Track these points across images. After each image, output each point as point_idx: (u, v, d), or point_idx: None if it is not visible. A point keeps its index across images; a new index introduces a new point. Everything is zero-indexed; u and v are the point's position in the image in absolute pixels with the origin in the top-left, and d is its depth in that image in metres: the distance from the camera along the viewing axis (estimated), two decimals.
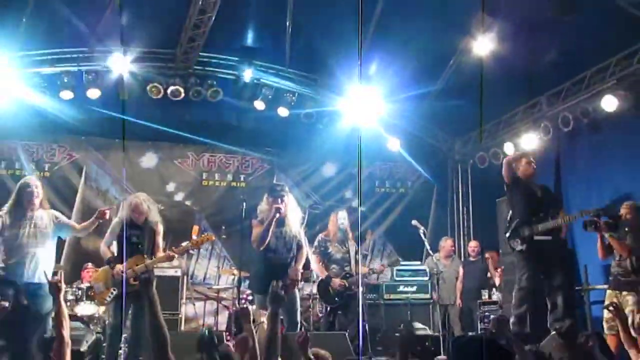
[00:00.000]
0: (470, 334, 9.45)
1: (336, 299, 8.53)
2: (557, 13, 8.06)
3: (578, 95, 9.45)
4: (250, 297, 8.90)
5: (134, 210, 7.32)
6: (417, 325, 9.54)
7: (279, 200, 7.28)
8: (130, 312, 7.23)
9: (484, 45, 9.11)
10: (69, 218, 10.02)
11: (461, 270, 10.52)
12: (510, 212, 8.08)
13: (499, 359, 2.67)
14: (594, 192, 9.54)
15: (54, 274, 7.11)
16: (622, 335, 5.31)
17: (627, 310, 6.97)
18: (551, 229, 7.64)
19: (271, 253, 7.21)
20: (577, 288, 9.41)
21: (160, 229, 7.47)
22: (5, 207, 6.87)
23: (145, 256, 7.18)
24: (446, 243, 10.62)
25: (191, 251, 10.52)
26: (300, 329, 7.41)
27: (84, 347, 7.44)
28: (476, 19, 9.01)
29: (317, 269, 8.56)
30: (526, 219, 7.72)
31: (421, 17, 9.28)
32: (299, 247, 7.56)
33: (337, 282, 8.45)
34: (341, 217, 8.92)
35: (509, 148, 10.80)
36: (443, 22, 9.24)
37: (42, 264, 6.68)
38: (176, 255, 7.44)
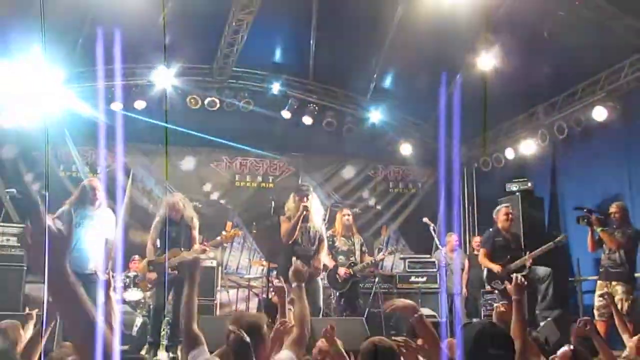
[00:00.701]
0: (474, 320, 9.52)
1: (342, 285, 8.70)
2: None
3: (572, 106, 9.51)
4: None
5: (171, 209, 7.49)
6: (427, 311, 9.61)
7: (305, 199, 7.39)
8: (170, 297, 7.44)
9: (487, 61, 9.17)
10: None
11: (467, 263, 10.55)
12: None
13: (501, 341, 2.74)
14: (586, 192, 9.55)
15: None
16: (617, 321, 5.34)
17: (616, 299, 7.03)
18: (521, 266, 7.83)
19: (297, 246, 7.33)
20: (570, 279, 9.48)
21: (196, 224, 7.63)
22: (67, 203, 7.04)
23: (183, 249, 7.37)
24: (451, 238, 10.62)
25: (225, 245, 10.77)
26: (323, 314, 7.55)
27: (134, 331, 7.63)
28: (480, 38, 9.09)
29: (327, 261, 8.70)
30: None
31: (431, 36, 9.37)
32: (320, 240, 7.68)
33: (342, 270, 8.60)
34: (346, 215, 9.07)
35: (509, 153, 10.88)
36: (451, 40, 9.31)
37: (96, 256, 6.87)
38: (208, 248, 7.63)
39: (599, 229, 7.49)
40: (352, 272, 8.67)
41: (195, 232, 7.59)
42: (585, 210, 7.74)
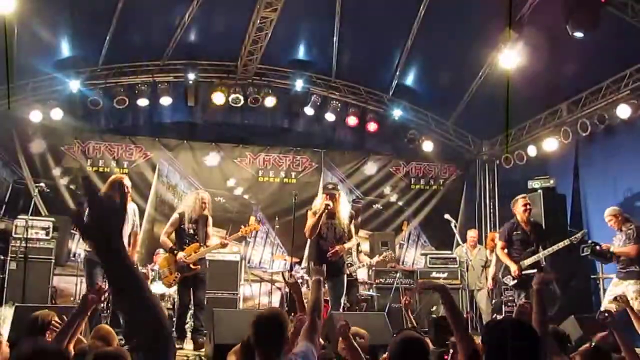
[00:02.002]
0: (496, 316, 9.42)
1: None
2: (577, 30, 7.98)
3: (595, 104, 9.40)
4: (300, 280, 9.07)
5: (201, 203, 7.57)
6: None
7: (327, 197, 7.32)
8: (192, 291, 7.53)
9: (510, 58, 9.06)
10: (145, 209, 10.43)
11: (494, 257, 10.36)
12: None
13: (526, 334, 2.72)
14: (608, 190, 9.46)
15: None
16: (633, 319, 5.26)
17: (628, 297, 6.96)
18: (534, 263, 7.67)
19: (323, 240, 7.29)
20: (592, 277, 9.39)
21: (210, 221, 7.78)
22: None
23: (201, 245, 7.46)
24: (472, 234, 10.53)
25: (248, 239, 10.83)
26: (344, 308, 7.53)
27: None
28: (503, 35, 8.99)
29: None
30: (515, 259, 7.77)
31: (453, 34, 9.32)
32: (349, 236, 7.54)
33: None
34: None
35: (531, 150, 10.77)
36: (472, 38, 9.24)
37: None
38: (229, 243, 7.72)
39: (610, 249, 7.45)
40: (349, 272, 8.69)
41: (210, 230, 7.74)
42: (590, 242, 7.68)
